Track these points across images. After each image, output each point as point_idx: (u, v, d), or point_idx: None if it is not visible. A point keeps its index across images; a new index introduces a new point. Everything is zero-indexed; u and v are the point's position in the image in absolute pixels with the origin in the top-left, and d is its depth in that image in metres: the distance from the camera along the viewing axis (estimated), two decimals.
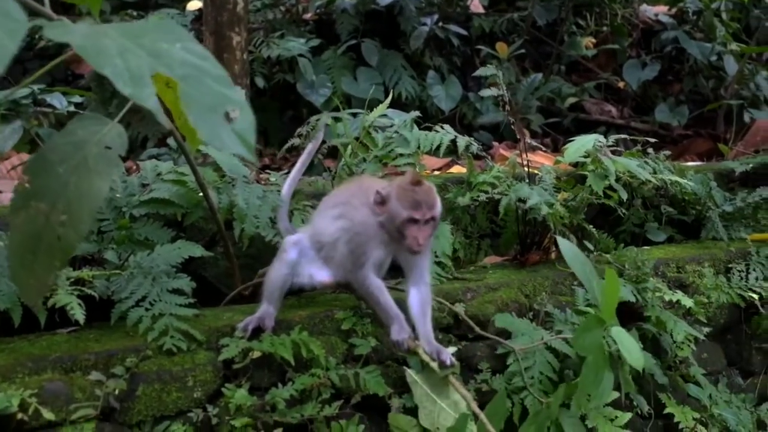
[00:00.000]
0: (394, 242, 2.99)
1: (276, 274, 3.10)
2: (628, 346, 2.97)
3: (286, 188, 3.53)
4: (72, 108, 5.58)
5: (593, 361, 2.93)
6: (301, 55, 7.30)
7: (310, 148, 3.71)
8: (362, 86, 7.50)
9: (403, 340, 2.94)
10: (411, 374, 3.05)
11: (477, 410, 2.93)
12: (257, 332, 2.93)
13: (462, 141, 4.16)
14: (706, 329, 4.01)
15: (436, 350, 3.00)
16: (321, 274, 3.15)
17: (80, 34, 1.86)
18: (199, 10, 7.47)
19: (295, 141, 4.17)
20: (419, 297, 3.08)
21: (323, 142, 4.05)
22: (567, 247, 3.06)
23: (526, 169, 4.15)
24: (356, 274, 3.02)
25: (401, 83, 7.60)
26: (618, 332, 2.98)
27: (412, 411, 3.03)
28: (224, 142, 1.72)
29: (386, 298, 3.02)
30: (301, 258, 3.13)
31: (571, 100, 8.17)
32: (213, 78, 1.83)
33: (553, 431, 3.28)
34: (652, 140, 4.63)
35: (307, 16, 8.58)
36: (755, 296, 4.25)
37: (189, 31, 4.42)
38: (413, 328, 3.03)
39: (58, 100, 5.58)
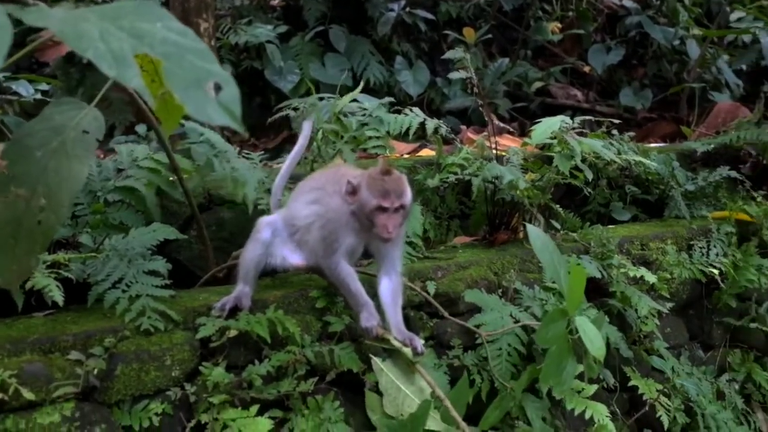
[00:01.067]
0: (366, 230, 3.05)
1: (250, 255, 3.15)
2: (591, 335, 3.05)
3: (279, 180, 3.54)
4: (38, 96, 5.55)
5: (557, 351, 3.03)
6: (269, 42, 7.32)
7: (302, 142, 3.69)
8: (330, 72, 7.55)
9: (372, 327, 3.00)
10: (377, 362, 3.11)
11: (441, 395, 3.01)
12: (234, 311, 2.98)
13: (431, 123, 4.24)
14: (669, 304, 4.14)
15: (408, 338, 3.08)
16: (294, 257, 3.21)
17: (59, 18, 1.89)
18: None
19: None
20: (390, 286, 3.15)
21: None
22: (535, 234, 3.13)
23: (494, 150, 4.23)
24: (328, 261, 3.08)
25: (369, 69, 7.66)
26: (581, 322, 3.06)
27: None
28: (210, 115, 1.76)
29: (356, 285, 3.08)
30: (275, 238, 3.18)
31: (538, 84, 8.29)
32: (194, 53, 1.87)
33: (515, 413, 3.39)
34: (617, 121, 4.75)
35: (275, 2, 8.62)
36: (716, 271, 4.38)
37: None
38: (384, 317, 3.10)
39: (24, 88, 5.56)
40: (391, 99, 4.41)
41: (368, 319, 3.01)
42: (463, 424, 2.93)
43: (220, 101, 1.80)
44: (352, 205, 3.01)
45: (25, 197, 2.25)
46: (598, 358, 3.11)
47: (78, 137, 2.37)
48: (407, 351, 3.05)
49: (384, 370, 3.09)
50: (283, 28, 7.68)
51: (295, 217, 3.20)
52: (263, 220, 3.23)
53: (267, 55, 7.34)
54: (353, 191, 3.01)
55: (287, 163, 3.54)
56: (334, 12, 7.99)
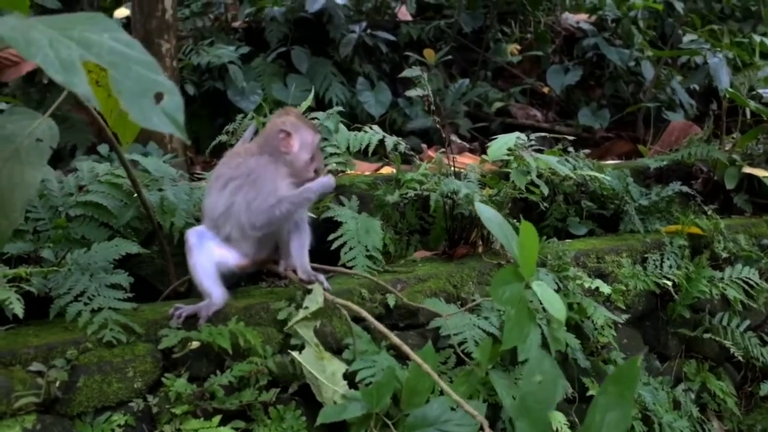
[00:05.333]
0: (291, 175, 3.25)
1: (191, 265, 3.18)
2: (549, 298, 3.04)
3: None
4: None
5: (516, 315, 3.01)
6: (231, 63, 7.36)
7: (239, 144, 3.82)
8: (293, 93, 7.60)
9: None
10: (295, 356, 3.12)
11: (410, 352, 3.09)
12: (193, 320, 3.03)
13: (390, 140, 4.33)
14: (625, 316, 4.22)
15: (313, 275, 3.30)
16: (232, 257, 3.28)
17: (9, 26, 1.93)
18: (127, 17, 7.47)
19: (223, 138, 4.29)
20: (298, 233, 3.35)
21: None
22: (484, 209, 3.16)
23: (452, 165, 4.31)
24: (272, 210, 3.17)
25: (331, 89, 7.73)
26: (538, 285, 3.04)
27: None
28: (155, 123, 1.82)
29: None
30: (207, 242, 3.23)
31: (498, 104, 8.40)
32: (141, 64, 1.93)
33: (483, 395, 3.41)
34: (571, 138, 4.86)
35: (236, 24, 8.65)
36: (669, 283, 4.48)
37: None
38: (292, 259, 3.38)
39: None
40: (340, 108, 4.51)
41: None
42: (436, 377, 2.97)
43: (165, 110, 1.86)
44: (289, 154, 3.24)
45: None
46: (560, 321, 3.13)
47: (31, 145, 2.41)
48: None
49: (302, 363, 3.11)
50: (245, 49, 7.73)
51: (212, 209, 3.28)
52: (189, 231, 3.28)
53: (229, 76, 7.38)
54: (289, 134, 3.23)
55: None
56: (295, 33, 8.06)
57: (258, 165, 3.20)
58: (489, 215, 3.12)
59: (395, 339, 3.15)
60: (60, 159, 6.34)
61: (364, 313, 3.23)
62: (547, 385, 2.47)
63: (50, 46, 1.81)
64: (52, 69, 1.77)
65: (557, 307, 3.00)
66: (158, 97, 1.83)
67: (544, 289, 3.02)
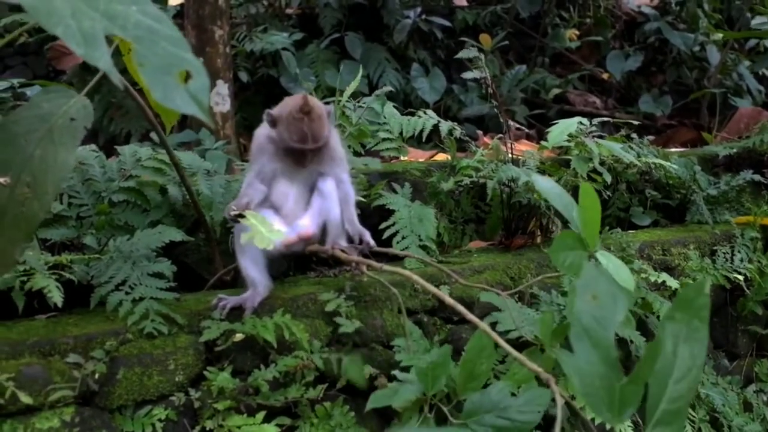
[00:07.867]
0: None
1: (241, 249, 3.06)
2: (616, 266, 2.75)
3: None
4: None
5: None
6: (284, 49, 7.27)
7: None
8: (346, 79, 7.42)
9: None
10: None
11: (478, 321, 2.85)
12: (238, 312, 2.90)
13: (445, 126, 4.17)
14: None
15: (359, 232, 3.11)
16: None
17: None
18: (181, 4, 7.41)
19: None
20: (342, 191, 3.17)
21: None
22: (541, 179, 2.89)
23: (510, 152, 4.12)
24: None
25: (385, 76, 7.59)
26: (603, 255, 2.77)
27: None
28: (177, 103, 1.69)
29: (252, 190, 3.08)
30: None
31: (555, 91, 8.16)
32: (167, 40, 1.79)
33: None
34: (635, 122, 4.63)
35: (290, 10, 8.56)
36: (740, 277, 4.24)
37: None
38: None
39: None
40: (390, 89, 4.35)
41: None
42: (502, 342, 2.79)
43: (189, 90, 1.72)
44: (273, 133, 3.06)
45: (10, 185, 2.18)
46: (629, 289, 2.88)
47: (65, 125, 2.30)
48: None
49: None
50: (298, 36, 7.63)
51: None
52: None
53: (283, 63, 7.28)
54: (273, 122, 3.05)
55: None
56: (349, 19, 7.93)
57: (259, 133, 3.17)
58: (546, 186, 2.86)
59: (461, 310, 3.00)
60: (116, 143, 6.33)
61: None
62: (605, 302, 2.16)
63: (72, 16, 1.69)
64: (73, 41, 1.65)
65: (624, 277, 2.72)
66: (188, 79, 1.70)
67: (609, 258, 2.76)
